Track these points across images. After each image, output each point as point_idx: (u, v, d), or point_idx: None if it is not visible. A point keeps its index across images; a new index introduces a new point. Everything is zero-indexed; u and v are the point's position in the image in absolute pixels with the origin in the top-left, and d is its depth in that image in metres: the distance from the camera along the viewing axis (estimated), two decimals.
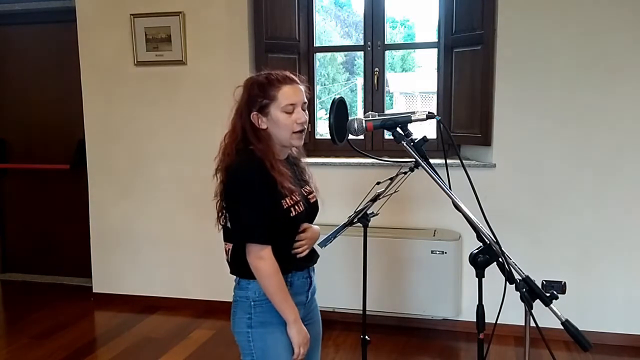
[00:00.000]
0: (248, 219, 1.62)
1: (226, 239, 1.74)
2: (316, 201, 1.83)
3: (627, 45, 3.11)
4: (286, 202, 1.66)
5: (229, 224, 1.69)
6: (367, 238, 2.44)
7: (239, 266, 1.69)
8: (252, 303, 1.69)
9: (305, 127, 1.71)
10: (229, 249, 1.72)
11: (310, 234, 1.76)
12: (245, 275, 1.68)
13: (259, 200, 1.62)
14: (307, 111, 1.73)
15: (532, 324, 1.42)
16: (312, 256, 1.81)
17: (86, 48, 3.93)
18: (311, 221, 1.80)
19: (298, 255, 1.73)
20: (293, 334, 1.66)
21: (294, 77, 1.71)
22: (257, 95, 1.66)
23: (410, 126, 1.64)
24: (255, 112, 1.66)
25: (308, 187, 1.82)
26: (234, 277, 1.75)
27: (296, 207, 1.69)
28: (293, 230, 1.72)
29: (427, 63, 4.88)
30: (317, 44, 3.89)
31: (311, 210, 1.79)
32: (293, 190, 1.68)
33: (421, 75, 5.20)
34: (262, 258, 1.62)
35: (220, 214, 1.72)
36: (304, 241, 1.74)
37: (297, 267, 1.74)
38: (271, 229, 1.63)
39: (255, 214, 1.61)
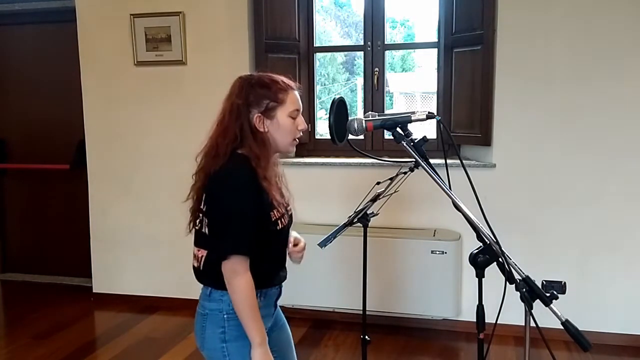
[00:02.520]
0: (232, 229, 1.52)
1: (199, 244, 1.64)
2: (292, 213, 1.75)
3: (627, 45, 3.10)
4: (274, 214, 1.59)
5: (205, 229, 1.60)
6: (367, 238, 2.44)
7: (213, 276, 1.57)
8: (226, 316, 1.59)
9: (302, 134, 1.70)
10: (201, 255, 1.62)
11: (304, 243, 1.78)
12: (219, 286, 1.57)
13: (247, 211, 1.52)
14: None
15: (532, 324, 1.42)
16: (285, 269, 1.75)
17: (86, 48, 3.93)
18: (288, 233, 1.75)
19: (296, 259, 1.74)
20: (257, 356, 1.53)
21: (294, 83, 1.67)
22: (263, 96, 1.58)
23: (410, 126, 1.64)
24: (259, 114, 1.58)
25: (286, 199, 1.72)
26: (203, 287, 1.65)
27: (282, 219, 1.63)
28: (278, 244, 1.68)
29: (427, 63, 4.88)
30: (317, 44, 3.89)
31: (290, 223, 1.72)
32: (280, 202, 1.62)
33: (421, 75, 5.21)
34: (237, 272, 1.51)
35: (193, 217, 1.64)
36: (299, 247, 1.76)
37: (275, 281, 1.70)
38: (256, 242, 1.55)
39: (240, 225, 1.52)
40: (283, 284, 1.76)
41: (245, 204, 1.53)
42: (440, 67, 3.64)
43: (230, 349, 1.59)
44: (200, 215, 1.62)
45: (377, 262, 3.30)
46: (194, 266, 1.66)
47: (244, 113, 1.58)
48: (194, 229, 1.66)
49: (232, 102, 1.61)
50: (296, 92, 1.65)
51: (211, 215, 1.58)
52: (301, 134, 1.68)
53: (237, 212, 1.53)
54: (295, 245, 1.78)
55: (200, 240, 1.64)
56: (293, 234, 1.79)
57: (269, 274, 1.66)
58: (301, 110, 1.67)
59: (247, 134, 1.58)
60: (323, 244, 2.23)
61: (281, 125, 1.61)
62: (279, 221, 1.61)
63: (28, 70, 4.47)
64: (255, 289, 1.55)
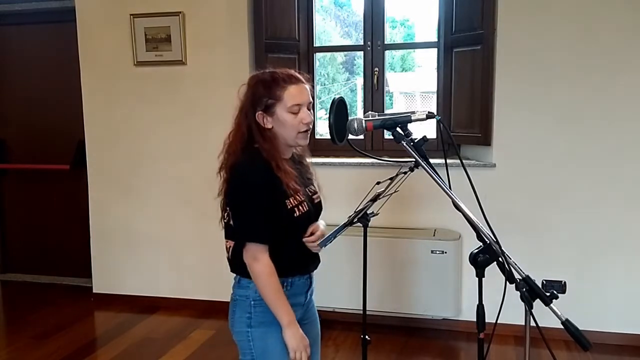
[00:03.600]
0: (248, 217, 1.62)
1: (228, 236, 1.72)
2: (320, 201, 1.82)
3: (627, 45, 3.11)
4: (290, 202, 1.64)
5: (231, 222, 1.68)
6: (367, 238, 2.44)
7: (240, 264, 1.66)
8: (252, 302, 1.67)
9: (311, 126, 1.71)
10: (230, 246, 1.71)
11: (320, 232, 1.76)
12: (246, 274, 1.66)
13: (260, 200, 1.60)
14: (312, 110, 1.72)
15: (532, 323, 1.42)
16: (316, 260, 1.80)
17: (86, 48, 3.93)
18: (315, 221, 1.78)
19: (312, 247, 1.72)
20: (288, 337, 1.63)
21: (299, 76, 1.69)
22: (262, 95, 1.64)
23: (410, 126, 1.64)
24: (260, 112, 1.64)
25: (312, 187, 1.81)
26: (234, 275, 1.74)
27: (300, 207, 1.67)
28: (297, 231, 1.70)
29: (426, 63, 4.88)
30: (316, 43, 3.89)
31: (315, 211, 1.77)
32: (297, 189, 1.67)
33: (421, 75, 5.21)
34: (257, 259, 1.61)
35: (223, 212, 1.71)
36: (315, 236, 1.73)
37: (300, 270, 1.74)
38: (274, 230, 1.62)
39: (255, 213, 1.60)
40: (314, 277, 1.81)
41: (257, 194, 1.60)
42: (440, 66, 3.64)
43: (254, 334, 1.67)
44: (227, 208, 1.70)
45: (377, 262, 3.30)
46: (227, 257, 1.74)
47: (249, 112, 1.66)
48: (223, 223, 1.73)
49: (241, 101, 1.70)
50: (297, 86, 1.65)
51: (231, 206, 1.67)
52: (308, 127, 1.68)
53: (250, 201, 1.61)
54: (311, 234, 1.75)
55: (228, 232, 1.72)
56: (320, 222, 1.80)
57: (291, 262, 1.70)
58: (307, 103, 1.68)
59: (255, 132, 1.65)
60: (323, 244, 2.22)
61: (282, 121, 1.65)
62: (296, 209, 1.66)
63: (28, 70, 4.47)
64: (280, 276, 1.64)
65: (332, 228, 2.25)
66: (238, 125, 1.69)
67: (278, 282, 1.63)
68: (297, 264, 1.72)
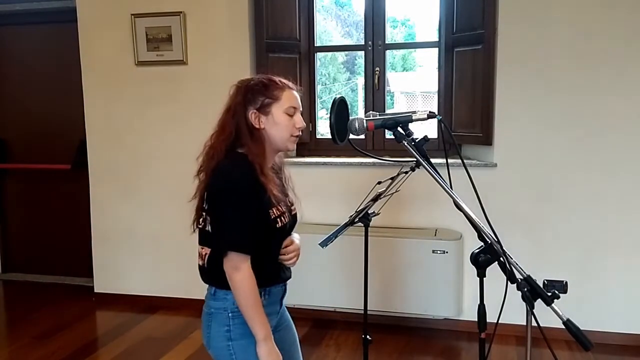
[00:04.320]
0: (231, 225, 1.54)
1: (203, 242, 1.65)
2: (296, 214, 1.76)
3: (627, 45, 3.10)
4: (273, 212, 1.60)
5: (208, 227, 1.62)
6: (368, 238, 2.44)
7: (217, 274, 1.58)
8: (230, 314, 1.60)
9: (301, 133, 1.70)
10: (205, 253, 1.63)
11: (296, 246, 1.72)
12: (222, 284, 1.58)
13: (245, 207, 1.54)
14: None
15: (534, 323, 1.42)
16: (289, 268, 1.76)
17: (87, 48, 3.93)
18: (290, 233, 1.74)
19: (289, 264, 1.70)
20: (262, 353, 1.55)
21: (293, 84, 1.69)
22: (259, 93, 1.62)
23: (411, 126, 1.63)
24: (254, 110, 1.61)
25: (290, 199, 1.75)
26: (208, 286, 1.66)
27: (282, 218, 1.63)
28: (277, 242, 1.67)
29: (428, 62, 4.88)
30: (317, 43, 3.89)
31: (292, 223, 1.72)
32: (280, 200, 1.63)
33: (422, 75, 5.21)
34: (238, 268, 1.53)
35: (197, 216, 1.65)
36: (292, 253, 1.70)
37: (278, 279, 1.70)
38: (256, 240, 1.56)
39: (239, 221, 1.54)
40: (288, 282, 1.76)
41: (242, 200, 1.55)
42: (441, 66, 3.63)
43: (236, 347, 1.60)
44: (204, 213, 1.63)
45: (378, 261, 3.30)
46: (198, 265, 1.68)
47: (240, 111, 1.62)
48: (197, 228, 1.67)
49: (230, 102, 1.66)
50: (294, 92, 1.67)
51: (211, 213, 1.60)
52: (299, 132, 1.67)
53: (234, 209, 1.54)
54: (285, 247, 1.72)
55: (203, 239, 1.66)
56: (294, 235, 1.76)
57: (271, 272, 1.66)
58: (300, 110, 1.68)
59: (244, 132, 1.60)
60: (324, 244, 2.23)
61: (277, 122, 1.63)
62: (279, 219, 1.62)
63: (29, 70, 4.48)
64: (259, 287, 1.57)
65: (333, 228, 2.25)
66: (222, 126, 1.64)
67: (258, 294, 1.56)
68: (276, 273, 1.69)
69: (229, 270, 1.54)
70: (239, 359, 1.61)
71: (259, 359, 1.57)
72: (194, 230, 1.68)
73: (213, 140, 1.64)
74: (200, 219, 1.65)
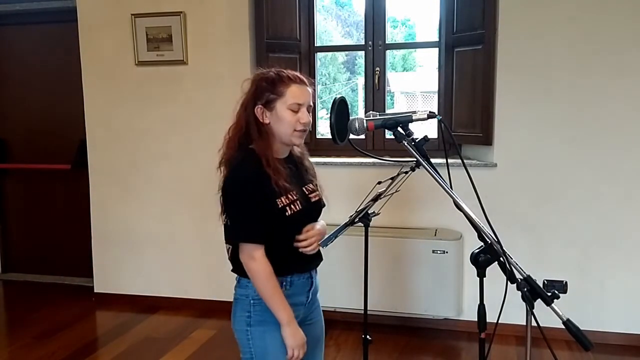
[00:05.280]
0: (240, 217, 1.62)
1: (225, 236, 1.73)
2: (319, 200, 1.79)
3: (627, 44, 3.10)
4: (281, 201, 1.63)
5: (227, 222, 1.69)
6: (369, 238, 2.44)
7: (239, 265, 1.67)
8: (252, 301, 1.68)
9: (308, 128, 1.71)
10: (228, 247, 1.72)
11: (314, 232, 1.71)
12: (245, 273, 1.67)
13: (250, 197, 1.60)
14: (311, 113, 1.73)
15: (534, 323, 1.42)
16: (314, 259, 1.78)
17: (87, 48, 3.93)
18: (314, 220, 1.76)
19: (305, 251, 1.69)
20: (286, 335, 1.64)
21: (303, 78, 1.70)
22: (265, 89, 1.66)
23: (411, 125, 1.64)
24: (260, 106, 1.66)
25: (310, 186, 1.78)
26: (235, 275, 1.75)
27: (292, 206, 1.65)
28: (290, 230, 1.69)
29: (428, 62, 4.89)
30: (318, 43, 3.89)
31: (311, 210, 1.75)
32: (289, 188, 1.65)
33: (422, 75, 5.22)
34: (253, 258, 1.61)
35: (222, 212, 1.70)
36: (309, 239, 1.69)
37: (297, 269, 1.73)
38: (266, 229, 1.62)
39: (247, 213, 1.61)
40: (316, 277, 1.81)
41: (246, 190, 1.61)
42: (441, 66, 3.63)
43: (254, 333, 1.69)
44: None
45: (379, 261, 3.29)
46: (228, 258, 1.75)
47: (250, 106, 1.68)
48: (222, 217, 1.72)
49: (244, 96, 1.72)
50: (300, 87, 1.67)
51: (225, 206, 1.67)
52: (304, 127, 1.68)
53: (241, 201, 1.62)
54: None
55: (226, 234, 1.72)
56: (319, 222, 1.77)
57: (287, 261, 1.69)
58: (307, 104, 1.69)
59: (252, 126, 1.67)
60: (324, 244, 2.22)
61: (280, 117, 1.66)
62: (288, 208, 1.64)
63: (29, 70, 4.48)
64: (279, 276, 1.64)
65: (333, 228, 2.25)
66: (238, 119, 1.70)
67: (275, 280, 1.63)
68: (293, 263, 1.71)
69: (244, 260, 1.63)
70: (255, 344, 1.69)
71: (277, 344, 1.65)
72: (222, 224, 1.73)
73: (230, 134, 1.71)
74: (224, 216, 1.70)
